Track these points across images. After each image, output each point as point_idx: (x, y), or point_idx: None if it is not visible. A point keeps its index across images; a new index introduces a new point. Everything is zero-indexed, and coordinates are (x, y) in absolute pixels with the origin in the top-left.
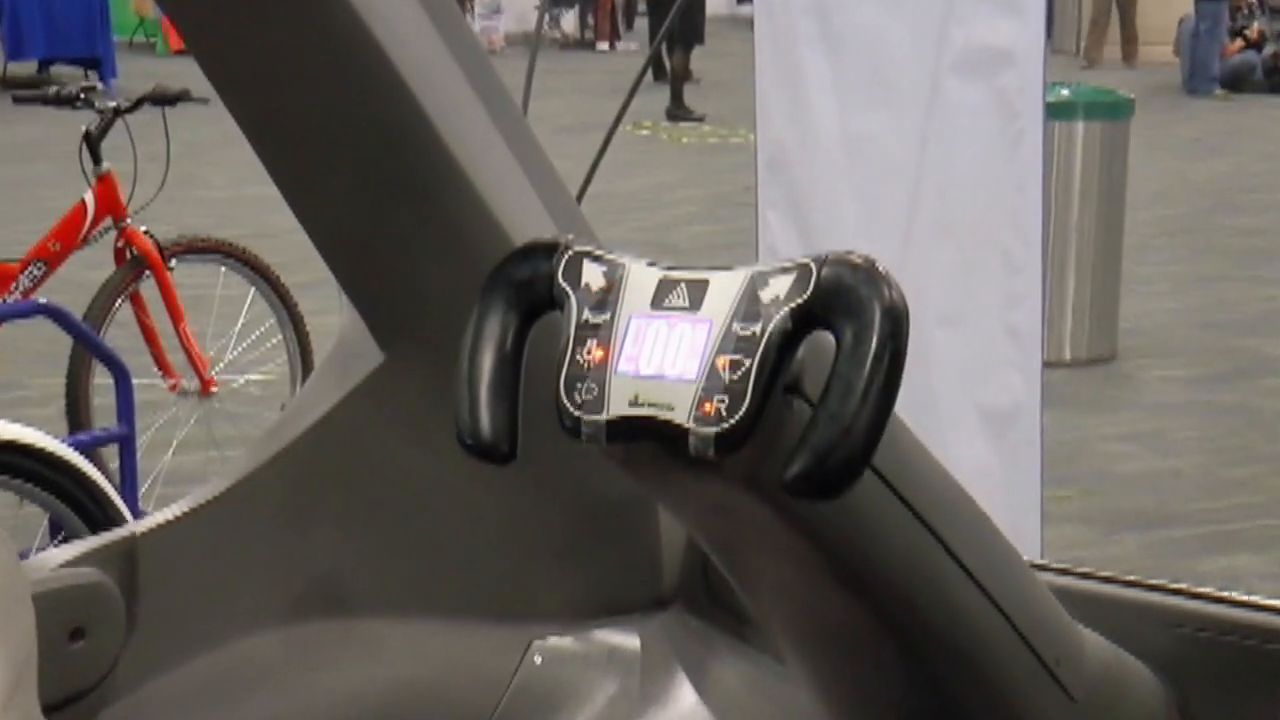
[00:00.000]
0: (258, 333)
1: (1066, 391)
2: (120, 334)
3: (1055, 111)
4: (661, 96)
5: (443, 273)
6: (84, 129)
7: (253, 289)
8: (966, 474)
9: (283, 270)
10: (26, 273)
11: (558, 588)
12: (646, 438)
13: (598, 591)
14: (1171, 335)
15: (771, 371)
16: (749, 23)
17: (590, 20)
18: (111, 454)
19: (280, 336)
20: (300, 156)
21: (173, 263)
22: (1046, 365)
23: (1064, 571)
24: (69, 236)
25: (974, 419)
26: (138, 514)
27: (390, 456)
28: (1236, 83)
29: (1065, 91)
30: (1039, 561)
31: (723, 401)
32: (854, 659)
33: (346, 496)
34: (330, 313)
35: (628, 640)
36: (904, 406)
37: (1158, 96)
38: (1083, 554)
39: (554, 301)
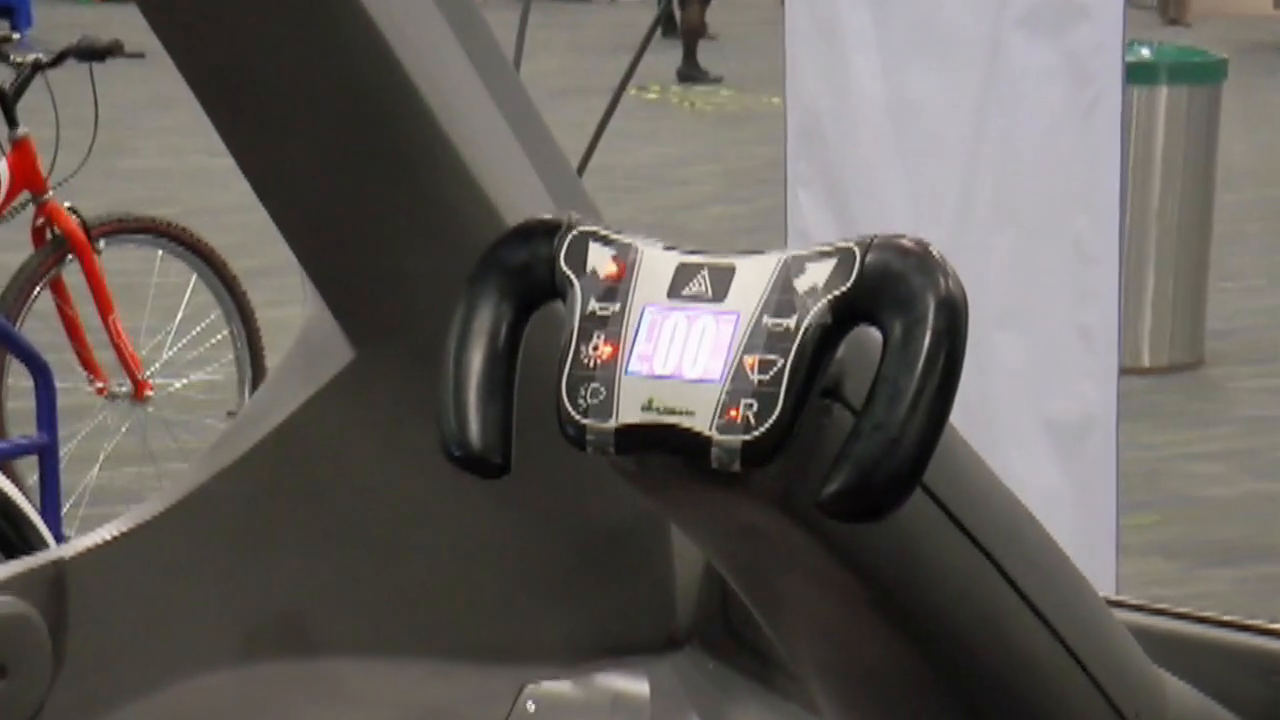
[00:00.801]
0: (200, 327)
1: (1146, 402)
2: (40, 327)
3: (1135, 75)
4: (673, 55)
5: (425, 257)
6: None
7: (194, 276)
8: (1031, 497)
9: (230, 254)
10: None
11: (555, 623)
12: (662, 448)
13: (601, 628)
14: (1267, 338)
15: (808, 372)
16: None
17: None
18: (30, 466)
19: (226, 331)
20: (260, 120)
21: (101, 244)
22: (1123, 372)
23: (1144, 609)
24: None
25: (1039, 433)
26: (60, 537)
27: (362, 471)
28: None
29: (1146, 51)
30: (1115, 598)
31: (751, 407)
32: (899, 708)
33: (309, 517)
34: (287, 304)
35: (635, 684)
36: (959, 418)
37: (1254, 57)
38: (1165, 590)
39: (555, 290)
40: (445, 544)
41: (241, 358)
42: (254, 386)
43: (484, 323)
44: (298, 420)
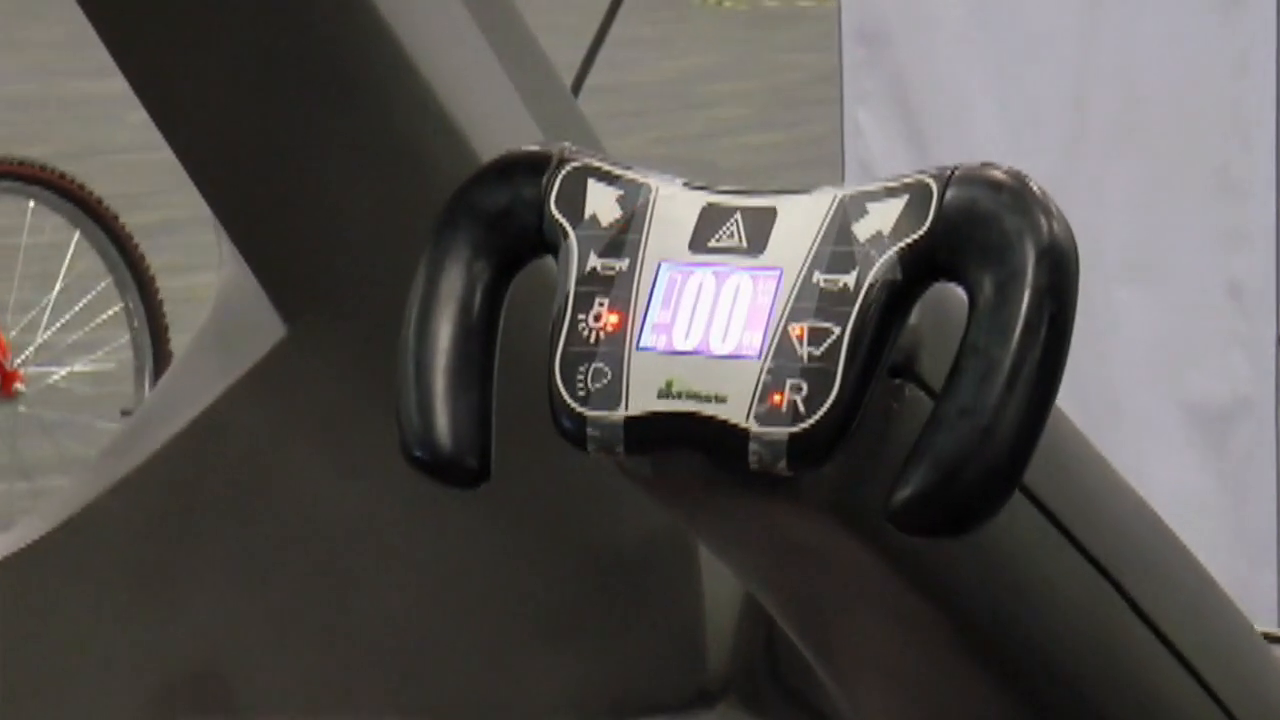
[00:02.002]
0: (85, 300)
1: None
2: None
3: None
4: None
5: (376, 205)
6: None
7: (76, 234)
8: (1166, 501)
9: (123, 206)
10: None
11: (553, 676)
12: (685, 445)
13: (612, 680)
14: None
15: (872, 344)
16: None
17: None
18: None
19: (119, 306)
20: (163, 32)
21: None
22: None
23: None
24: None
25: (1176, 420)
26: None
27: (298, 481)
28: None
29: None
30: (1276, 631)
31: (799, 390)
32: None
33: (231, 543)
34: (198, 269)
35: None
36: (1070, 401)
37: None
38: None
39: (544, 242)
40: (408, 575)
41: (139, 339)
42: (155, 377)
43: (453, 287)
44: (213, 417)
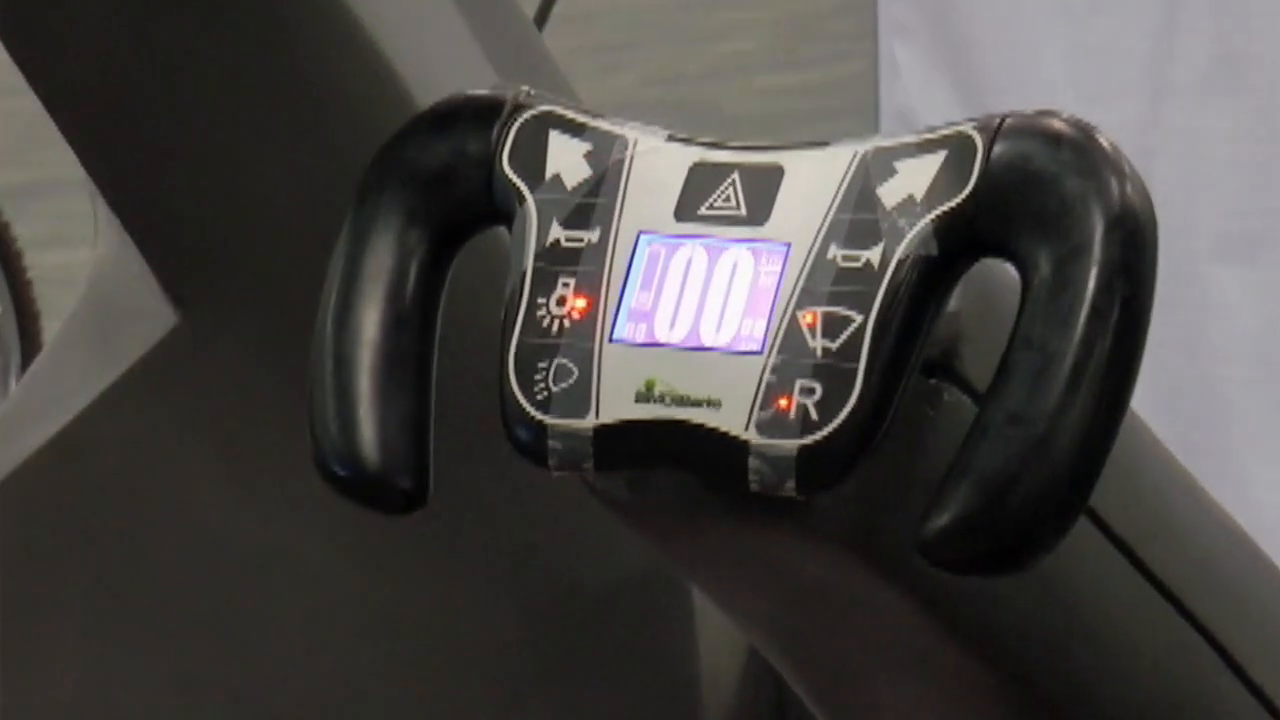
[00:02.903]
0: None
1: None
2: None
3: None
4: None
5: (288, 165)
6: None
7: None
8: (1275, 532)
9: None
10: None
11: None
12: (669, 460)
13: None
14: None
15: (901, 335)
16: None
17: None
18: None
19: None
20: None
21: None
22: None
23: None
24: None
25: None
26: None
27: (189, 502)
28: None
29: None
30: None
31: (811, 392)
32: None
33: (107, 577)
34: (71, 242)
35: None
36: (1150, 405)
37: None
38: None
39: (494, 209)
40: (331, 622)
41: (1, 327)
42: (21, 372)
43: (382, 264)
44: (87, 423)
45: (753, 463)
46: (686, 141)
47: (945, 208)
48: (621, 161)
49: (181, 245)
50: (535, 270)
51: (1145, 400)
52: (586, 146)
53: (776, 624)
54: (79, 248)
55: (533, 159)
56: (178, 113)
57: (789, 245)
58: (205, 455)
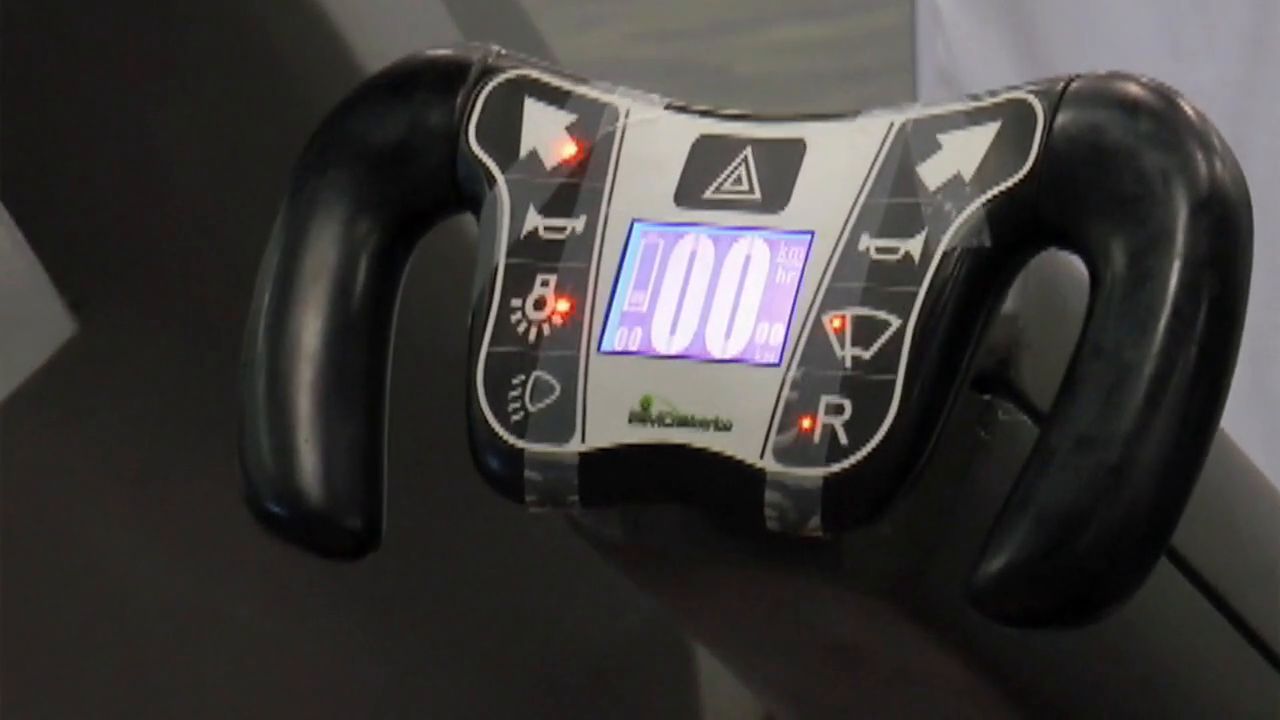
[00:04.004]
0: None
1: None
2: None
3: None
4: None
5: (210, 143)
6: None
7: None
8: None
9: None
10: None
11: None
12: (669, 493)
13: None
14: None
15: (948, 343)
16: None
17: None
18: None
19: None
20: None
21: None
22: None
23: None
24: None
25: None
26: None
27: (91, 540)
28: None
29: None
30: None
31: (840, 411)
32: None
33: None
34: None
35: None
36: (1246, 424)
37: None
38: None
39: (459, 193)
40: (262, 686)
41: None
42: None
43: (324, 260)
44: None
45: (770, 496)
46: (689, 111)
47: (1000, 189)
48: (611, 135)
49: (80, 240)
50: (508, 266)
51: (1237, 417)
52: (569, 118)
53: (797, 688)
54: None
55: (505, 133)
56: (74, 82)
57: (812, 235)
58: (109, 490)
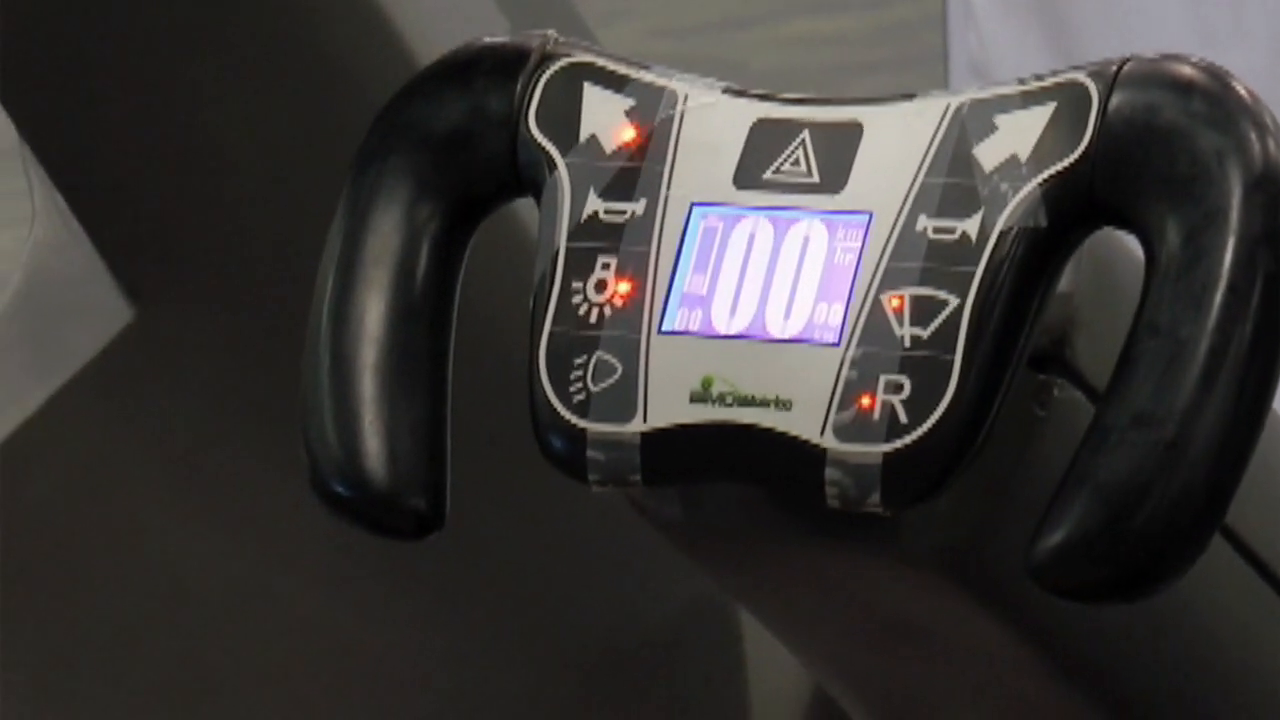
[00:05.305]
0: None
1: None
2: None
3: None
4: None
5: (269, 134)
6: None
7: None
8: None
9: None
10: None
11: None
12: (729, 472)
13: None
14: None
15: (1005, 321)
16: None
17: None
18: None
19: None
20: None
21: None
22: None
23: None
24: None
25: None
26: None
27: (146, 528)
28: None
29: None
30: None
31: (899, 389)
32: None
33: (47, 617)
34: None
35: None
36: None
37: None
38: None
39: (519, 178)
40: (320, 671)
41: None
42: None
43: (387, 246)
44: (24, 438)
45: (830, 473)
46: (747, 95)
47: (1055, 169)
48: (670, 119)
49: (137, 228)
50: (569, 250)
51: None
52: (628, 102)
53: (853, 663)
54: (8, 229)
55: (565, 118)
56: (136, 76)
57: (870, 216)
58: (165, 474)
